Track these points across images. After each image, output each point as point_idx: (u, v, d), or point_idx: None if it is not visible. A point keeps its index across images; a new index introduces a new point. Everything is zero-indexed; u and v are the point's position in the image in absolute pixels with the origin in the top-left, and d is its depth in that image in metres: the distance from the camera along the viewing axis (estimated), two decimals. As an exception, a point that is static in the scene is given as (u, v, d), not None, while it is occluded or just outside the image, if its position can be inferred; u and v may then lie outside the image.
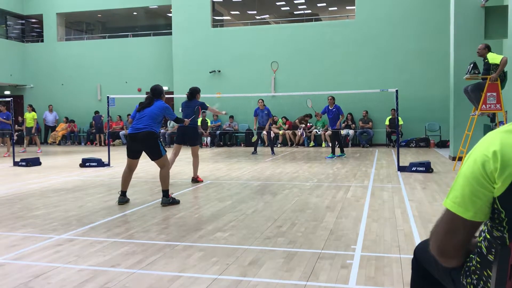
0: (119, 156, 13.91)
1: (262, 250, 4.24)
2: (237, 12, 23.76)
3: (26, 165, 11.63)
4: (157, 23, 23.97)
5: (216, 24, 20.67)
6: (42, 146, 18.74)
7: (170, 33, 20.71)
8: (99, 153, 15.28)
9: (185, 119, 7.69)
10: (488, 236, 1.63)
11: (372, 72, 17.97)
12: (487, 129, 9.87)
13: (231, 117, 19.36)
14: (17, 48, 22.86)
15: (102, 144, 20.24)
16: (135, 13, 23.43)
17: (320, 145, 18.00)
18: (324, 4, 22.32)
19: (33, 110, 17.37)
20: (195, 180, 8.68)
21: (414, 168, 9.74)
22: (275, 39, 19.34)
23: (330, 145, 14.41)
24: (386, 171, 10.03)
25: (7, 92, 23.17)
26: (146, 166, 10.58)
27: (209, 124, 19.37)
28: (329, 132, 15.33)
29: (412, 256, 2.17)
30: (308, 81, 18.49)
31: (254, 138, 15.00)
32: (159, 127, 6.60)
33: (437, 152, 14.99)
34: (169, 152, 7.79)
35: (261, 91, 18.12)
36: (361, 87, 16.67)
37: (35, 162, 11.97)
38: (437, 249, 1.67)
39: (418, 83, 17.63)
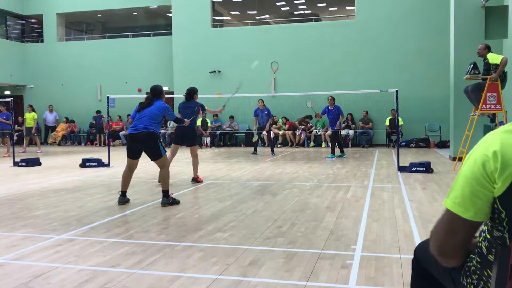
0: (119, 157, 13.91)
1: (262, 250, 4.24)
2: (237, 12, 23.76)
3: (26, 165, 11.63)
4: (157, 23, 23.97)
5: (216, 24, 20.67)
6: (42, 146, 18.74)
7: (170, 33, 20.71)
8: (99, 153, 15.28)
9: (185, 120, 7.69)
10: (488, 236, 1.63)
11: (372, 72, 17.97)
12: (487, 129, 9.87)
13: (231, 117, 19.37)
14: (17, 48, 22.86)
15: (102, 144, 20.24)
16: (135, 13, 23.43)
17: (320, 145, 18.00)
18: (324, 4, 22.32)
19: (33, 110, 17.37)
20: (195, 180, 8.69)
21: (414, 168, 9.74)
22: (275, 39, 19.34)
23: (330, 145, 14.40)
24: (386, 171, 10.02)
25: (7, 92, 23.17)
26: (146, 166, 10.58)
27: (209, 124, 19.37)
28: (329, 132, 15.33)
29: (412, 256, 2.17)
30: (308, 81, 18.49)
31: (255, 139, 14.99)
32: (159, 128, 6.60)
33: (437, 152, 14.99)
34: (168, 153, 7.79)
35: (261, 91, 18.11)
36: (361, 87, 16.66)
37: (35, 162, 11.97)
38: (437, 249, 1.67)
39: (418, 83, 17.63)
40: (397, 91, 10.60)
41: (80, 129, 22.03)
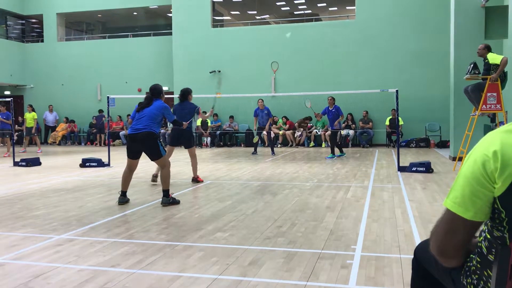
0: (119, 156, 13.91)
1: (262, 250, 4.24)
2: (237, 12, 23.76)
3: (26, 165, 11.63)
4: (157, 23, 23.98)
5: (216, 24, 20.68)
6: (42, 146, 18.74)
7: (170, 33, 20.71)
8: (99, 153, 15.28)
9: (184, 122, 7.65)
10: (488, 236, 1.63)
11: (372, 72, 17.97)
12: (487, 129, 9.87)
13: (231, 117, 19.37)
14: (17, 48, 22.87)
15: (102, 144, 20.24)
16: (135, 13, 23.43)
17: (320, 145, 18.00)
18: (324, 4, 22.33)
19: (33, 110, 17.37)
20: (195, 180, 8.68)
21: (414, 168, 9.74)
22: (275, 39, 19.34)
23: (330, 145, 14.40)
24: (386, 171, 10.02)
25: (7, 92, 23.17)
26: (146, 166, 10.57)
27: (209, 124, 19.37)
28: (329, 132, 15.33)
29: (412, 256, 2.17)
30: (308, 81, 18.49)
31: (255, 139, 14.98)
32: (159, 128, 6.59)
33: (437, 152, 14.99)
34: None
35: (261, 91, 18.12)
36: (361, 87, 16.66)
37: (35, 162, 11.97)
38: (437, 249, 1.67)
39: (418, 83, 17.63)
40: (397, 91, 10.60)
41: (80, 129, 22.03)
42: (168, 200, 6.43)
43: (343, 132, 17.02)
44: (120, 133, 20.50)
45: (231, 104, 18.83)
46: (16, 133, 19.14)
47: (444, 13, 15.47)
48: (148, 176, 9.56)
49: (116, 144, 20.03)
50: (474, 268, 1.70)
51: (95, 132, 20.77)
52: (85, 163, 11.44)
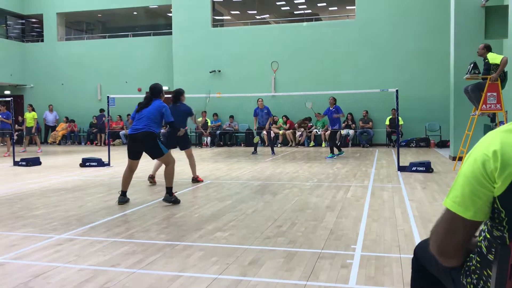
0: (119, 156, 13.91)
1: (262, 249, 4.24)
2: (237, 12, 23.76)
3: (26, 165, 11.63)
4: (157, 23, 23.97)
5: (216, 24, 20.67)
6: (42, 146, 18.74)
7: (170, 33, 20.70)
8: (99, 153, 15.28)
9: (181, 128, 7.62)
10: (488, 236, 1.63)
11: (372, 72, 17.96)
12: (487, 129, 9.87)
13: (231, 117, 19.38)
14: (17, 48, 22.86)
15: (102, 144, 20.24)
16: (135, 13, 23.43)
17: (320, 145, 18.00)
18: (324, 4, 22.32)
19: (33, 109, 17.37)
20: (195, 180, 8.68)
21: (414, 168, 9.74)
22: (275, 39, 19.34)
23: (330, 145, 14.40)
24: (386, 171, 10.02)
25: (7, 92, 23.17)
26: (146, 166, 10.57)
27: (209, 124, 19.37)
28: (328, 132, 15.32)
29: (412, 256, 2.17)
30: (308, 81, 18.48)
31: (256, 139, 14.97)
32: (159, 128, 6.59)
33: (437, 152, 14.99)
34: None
35: (261, 91, 18.12)
36: (361, 87, 16.65)
37: (35, 161, 11.97)
38: (437, 248, 1.67)
39: (418, 83, 17.63)
40: (397, 90, 10.60)
41: (80, 128, 22.03)
42: (170, 198, 6.42)
43: (343, 131, 17.03)
44: (120, 132, 20.50)
45: (231, 103, 18.83)
46: (16, 133, 19.14)
47: (444, 13, 15.47)
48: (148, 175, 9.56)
49: (116, 144, 20.03)
50: (474, 267, 1.70)
51: (95, 132, 20.78)
52: (85, 163, 11.45)
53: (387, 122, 17.51)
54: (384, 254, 4.06)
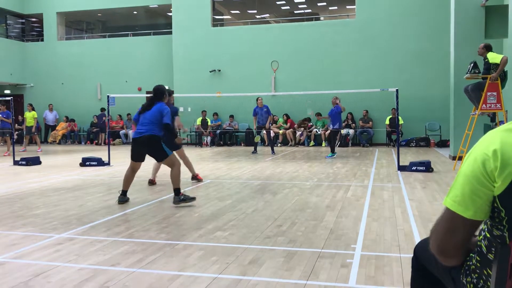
0: (119, 155, 13.92)
1: (262, 249, 4.24)
2: (237, 11, 23.76)
3: (26, 164, 11.63)
4: (157, 22, 23.97)
5: (216, 23, 20.67)
6: (42, 145, 18.73)
7: (170, 32, 20.70)
8: (99, 152, 15.27)
9: (178, 137, 7.56)
10: (488, 235, 1.63)
11: (372, 72, 17.96)
12: (487, 128, 9.87)
13: (231, 116, 19.38)
14: (17, 47, 22.86)
15: (103, 143, 20.24)
16: (135, 12, 23.42)
17: (320, 144, 18.00)
18: (324, 4, 22.32)
19: (33, 109, 17.37)
20: (195, 178, 8.67)
21: (414, 168, 9.74)
22: (275, 39, 19.33)
23: (329, 144, 14.39)
24: (386, 171, 10.03)
25: (7, 91, 23.16)
26: (146, 166, 10.55)
27: (209, 123, 19.38)
28: (329, 131, 15.32)
29: (412, 255, 2.17)
30: (308, 81, 18.48)
31: (257, 139, 14.95)
32: (162, 130, 6.55)
33: (437, 151, 14.99)
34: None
35: (261, 90, 18.12)
36: (361, 87, 16.65)
37: (35, 161, 11.97)
38: (437, 248, 1.67)
39: (418, 83, 17.63)
40: (397, 90, 10.61)
41: (80, 128, 22.03)
42: (179, 198, 6.33)
43: (343, 131, 17.02)
44: (120, 132, 20.50)
45: (231, 103, 18.84)
46: (16, 132, 19.13)
47: (444, 13, 15.47)
48: (148, 175, 9.56)
49: (116, 143, 20.03)
50: (474, 267, 1.70)
51: (96, 131, 20.77)
52: (85, 162, 11.45)
53: (387, 122, 17.51)
54: (384, 254, 4.06)
